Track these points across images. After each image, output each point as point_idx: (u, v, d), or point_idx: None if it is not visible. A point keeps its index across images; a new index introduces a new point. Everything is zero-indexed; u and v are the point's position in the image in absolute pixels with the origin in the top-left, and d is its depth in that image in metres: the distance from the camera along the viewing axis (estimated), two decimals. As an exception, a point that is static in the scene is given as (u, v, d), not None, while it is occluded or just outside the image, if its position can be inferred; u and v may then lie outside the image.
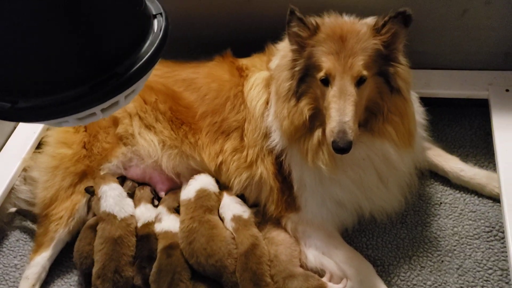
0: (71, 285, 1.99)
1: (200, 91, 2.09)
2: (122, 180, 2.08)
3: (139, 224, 2.00)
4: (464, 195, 2.09)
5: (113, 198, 1.97)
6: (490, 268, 1.84)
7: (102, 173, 2.10)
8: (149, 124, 2.11)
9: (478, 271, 1.84)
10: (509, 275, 1.80)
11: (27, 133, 2.39)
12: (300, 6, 1.67)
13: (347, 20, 1.75)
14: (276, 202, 1.96)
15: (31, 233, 2.17)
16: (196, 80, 2.12)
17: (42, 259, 1.97)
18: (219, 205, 2.01)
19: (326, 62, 1.63)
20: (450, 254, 1.90)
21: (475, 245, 1.92)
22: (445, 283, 1.82)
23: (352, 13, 1.80)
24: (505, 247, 1.88)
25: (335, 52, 1.62)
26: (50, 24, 0.93)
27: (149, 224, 2.00)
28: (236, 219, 1.93)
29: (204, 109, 2.06)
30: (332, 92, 1.62)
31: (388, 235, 2.00)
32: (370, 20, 1.72)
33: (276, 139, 1.87)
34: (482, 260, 1.87)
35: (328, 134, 1.62)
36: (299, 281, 1.75)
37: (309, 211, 1.91)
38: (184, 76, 2.16)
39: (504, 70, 2.32)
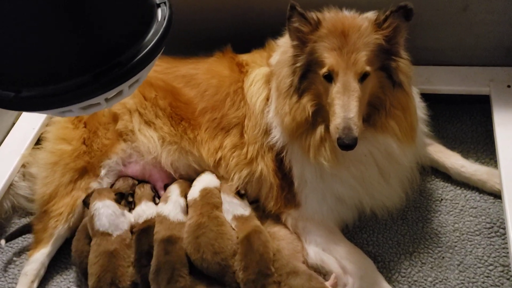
0: (70, 282, 1.99)
1: (199, 87, 2.08)
2: (120, 196, 2.00)
3: (140, 221, 1.98)
4: (465, 191, 2.08)
5: (106, 217, 1.90)
6: (491, 264, 1.83)
7: (102, 171, 2.09)
8: (149, 120, 2.10)
9: (479, 267, 1.83)
10: (510, 271, 1.80)
11: (26, 129, 2.38)
12: (299, 1, 1.66)
13: (348, 15, 1.74)
14: (275, 198, 1.96)
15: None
16: (196, 76, 2.11)
17: (41, 256, 1.96)
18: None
19: (329, 58, 1.62)
20: (451, 250, 1.90)
21: (476, 241, 1.91)
22: (446, 279, 1.82)
23: (352, 8, 1.79)
24: (506, 243, 1.87)
25: (337, 48, 1.61)
26: (52, 13, 0.92)
27: (149, 220, 1.97)
28: (237, 218, 1.92)
29: (204, 105, 2.05)
30: (335, 88, 1.61)
31: (389, 231, 1.99)
32: (371, 15, 1.71)
33: (276, 136, 1.86)
34: (483, 256, 1.86)
35: (332, 130, 1.61)
36: (302, 279, 1.74)
37: (309, 207, 1.91)
38: (184, 72, 2.15)
39: (505, 66, 2.30)
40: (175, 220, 1.93)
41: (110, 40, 1.00)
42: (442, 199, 2.07)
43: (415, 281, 1.83)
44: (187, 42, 2.23)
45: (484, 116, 2.34)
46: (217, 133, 2.03)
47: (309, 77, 1.71)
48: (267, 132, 1.90)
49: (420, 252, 1.90)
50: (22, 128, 2.40)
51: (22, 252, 2.11)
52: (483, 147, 2.23)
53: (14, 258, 2.09)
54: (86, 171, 2.09)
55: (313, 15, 1.68)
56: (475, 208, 2.02)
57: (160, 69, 2.18)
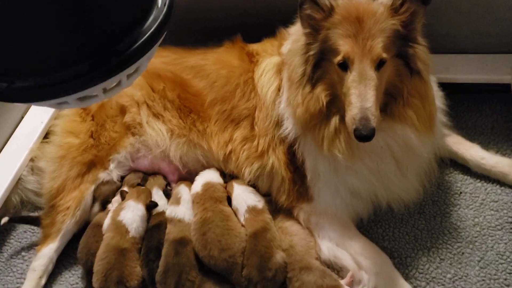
0: (78, 277, 1.96)
1: (209, 78, 2.04)
2: (154, 205, 1.98)
3: (153, 213, 1.96)
4: (485, 184, 2.02)
5: (133, 215, 1.89)
6: None
7: (111, 164, 2.07)
8: (157, 112, 2.07)
9: (501, 264, 1.77)
10: (533, 268, 1.73)
11: (34, 123, 2.36)
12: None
13: (363, 0, 1.66)
14: (287, 192, 1.92)
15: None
16: (205, 67, 2.07)
17: (49, 251, 1.94)
18: (226, 196, 1.96)
19: (344, 46, 1.56)
20: (471, 246, 1.84)
21: (497, 236, 1.85)
22: (465, 276, 1.76)
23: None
24: (529, 238, 1.81)
25: (352, 35, 1.55)
26: (45, 0, 0.87)
27: (162, 213, 1.96)
28: (251, 210, 1.88)
29: (213, 97, 2.01)
30: (351, 77, 1.55)
31: (406, 226, 1.93)
32: (387, 0, 1.63)
33: (288, 128, 1.81)
34: (505, 252, 1.80)
35: (349, 121, 1.55)
36: (315, 275, 1.70)
37: (323, 201, 1.86)
38: (193, 63, 2.10)
39: (528, 53, 2.22)
40: (189, 222, 1.91)
41: (106, 28, 0.95)
42: (461, 193, 2.01)
43: (433, 277, 1.77)
44: (195, 32, 2.20)
45: (505, 106, 2.28)
46: (227, 126, 1.98)
47: (322, 66, 1.65)
48: (278, 123, 1.86)
49: (438, 248, 1.85)
50: (30, 122, 2.37)
51: (30, 247, 2.09)
52: (504, 138, 2.16)
53: (23, 253, 2.07)
54: (94, 164, 2.06)
55: (326, 1, 1.61)
56: (496, 201, 1.95)
57: (168, 60, 2.14)
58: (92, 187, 2.03)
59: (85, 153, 2.06)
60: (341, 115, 1.65)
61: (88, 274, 1.85)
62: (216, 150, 2.00)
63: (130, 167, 2.12)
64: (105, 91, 1.04)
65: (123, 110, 2.09)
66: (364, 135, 1.49)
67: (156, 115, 2.07)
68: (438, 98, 1.87)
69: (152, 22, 1.00)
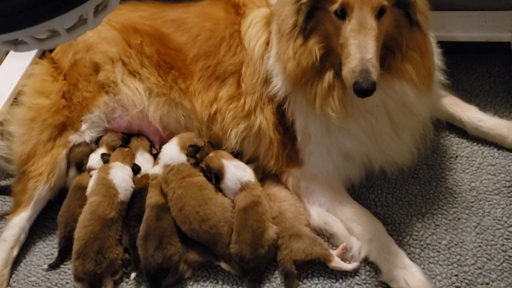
0: (53, 248, 1.87)
1: (191, 31, 1.93)
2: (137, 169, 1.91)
3: (138, 176, 1.90)
4: (482, 147, 1.96)
5: (123, 174, 1.83)
6: (511, 226, 1.72)
7: (83, 125, 1.96)
8: (134, 70, 1.96)
9: (498, 229, 1.73)
10: (532, 233, 1.69)
11: (3, 84, 2.20)
12: None
13: None
14: (276, 156, 1.83)
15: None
16: (187, 20, 1.96)
17: (20, 220, 1.85)
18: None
19: None
20: (467, 211, 1.78)
21: (494, 201, 1.80)
22: (461, 242, 1.70)
23: None
24: (527, 203, 1.77)
25: None
26: None
27: (146, 177, 1.89)
28: (244, 186, 1.77)
29: (196, 52, 1.90)
30: (350, 26, 1.45)
31: (399, 191, 1.87)
32: None
33: (278, 85, 1.71)
34: (502, 217, 1.75)
35: (347, 75, 1.45)
36: (304, 243, 1.65)
37: (313, 165, 1.79)
38: (174, 16, 1.99)
39: (529, 10, 2.15)
40: None
41: None
42: (457, 156, 1.95)
43: (428, 244, 1.71)
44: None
45: (503, 67, 2.22)
46: (212, 83, 1.88)
47: (316, 16, 1.54)
48: (267, 80, 1.76)
49: (433, 213, 1.79)
50: (-2, 83, 2.23)
51: (1, 217, 1.98)
52: (502, 100, 2.10)
53: (-7, 224, 1.96)
54: (66, 126, 1.96)
55: None
56: (494, 165, 1.90)
57: (147, 15, 2.03)
58: (64, 151, 1.94)
59: (56, 115, 1.95)
60: (336, 70, 1.56)
61: (65, 240, 1.78)
62: (200, 110, 1.90)
63: (106, 128, 2.01)
64: (69, 30, 0.90)
65: (96, 68, 1.97)
66: (365, 89, 1.40)
67: (132, 73, 1.96)
68: (437, 55, 1.78)
69: None
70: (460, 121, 1.98)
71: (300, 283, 1.65)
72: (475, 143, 1.97)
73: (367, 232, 1.67)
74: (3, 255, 1.77)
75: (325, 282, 1.65)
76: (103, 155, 1.92)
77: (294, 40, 1.58)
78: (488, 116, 1.96)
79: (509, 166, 1.88)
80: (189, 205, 1.71)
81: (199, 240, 1.70)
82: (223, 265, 1.70)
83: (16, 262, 1.81)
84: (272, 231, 1.68)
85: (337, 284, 1.64)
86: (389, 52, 1.59)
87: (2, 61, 2.28)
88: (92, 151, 1.96)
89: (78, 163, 1.94)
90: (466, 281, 1.60)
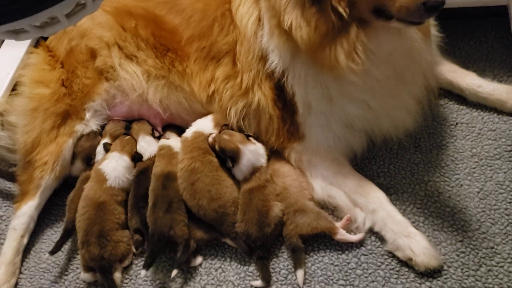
0: (62, 234, 1.86)
1: (184, 13, 1.90)
2: (138, 157, 1.91)
3: (143, 159, 1.90)
4: (482, 113, 1.94)
5: (116, 165, 1.83)
6: None
7: (87, 114, 1.96)
8: (130, 53, 1.94)
9: (501, 193, 1.72)
10: (535, 195, 1.69)
11: (-1, 74, 2.19)
12: None
13: None
14: (277, 132, 1.83)
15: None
16: (179, 1, 1.92)
17: (29, 209, 1.86)
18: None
19: None
20: (469, 177, 1.78)
21: (496, 166, 1.79)
22: (465, 208, 1.70)
23: None
24: (529, 166, 1.76)
25: None
26: None
27: (151, 159, 1.89)
28: (255, 170, 1.76)
29: (190, 33, 1.87)
30: None
31: (401, 161, 1.86)
32: None
33: (275, 61, 1.68)
34: (504, 181, 1.75)
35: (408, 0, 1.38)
36: (309, 217, 1.65)
37: (314, 138, 1.77)
38: (166, -3, 1.95)
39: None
40: (177, 150, 1.86)
41: None
42: (457, 123, 1.94)
43: (432, 212, 1.71)
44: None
45: (500, 31, 2.17)
46: (208, 64, 1.86)
47: None
48: (262, 57, 1.73)
49: (436, 181, 1.79)
50: (-5, 74, 2.21)
51: (8, 206, 1.99)
52: (500, 64, 2.07)
53: (0, 213, 1.97)
54: (69, 114, 1.95)
55: None
56: (494, 130, 1.89)
57: None
58: (70, 140, 1.93)
59: (58, 103, 1.94)
60: (361, 20, 1.50)
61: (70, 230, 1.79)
62: (198, 92, 1.89)
63: (108, 115, 2.01)
64: (68, 16, 0.90)
65: (93, 54, 1.95)
66: (441, 1, 1.35)
67: (129, 57, 1.94)
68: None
69: None
70: (459, 88, 1.95)
71: (307, 256, 1.67)
72: (474, 109, 1.95)
73: (371, 203, 1.67)
74: (14, 244, 1.79)
75: (331, 254, 1.66)
76: (105, 144, 1.92)
77: (303, 7, 1.50)
78: (487, 82, 1.93)
79: (510, 130, 1.86)
80: (203, 182, 1.72)
81: (204, 217, 1.71)
82: (229, 241, 1.71)
83: (26, 250, 1.83)
84: (277, 208, 1.69)
85: (343, 256, 1.65)
86: None
87: (-3, 51, 2.26)
88: (99, 143, 1.96)
89: (86, 157, 1.93)
90: (471, 246, 1.61)
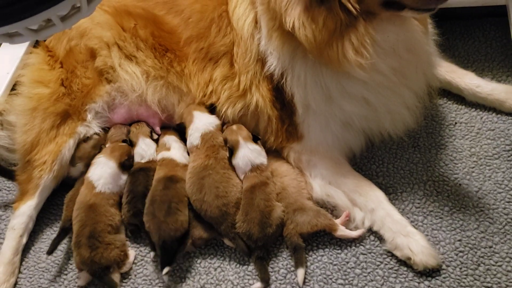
0: (61, 234, 1.86)
1: (183, 13, 1.90)
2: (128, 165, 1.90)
3: (143, 161, 1.89)
4: (480, 113, 1.95)
5: (101, 172, 1.81)
6: None
7: (89, 115, 1.95)
8: (130, 53, 1.94)
9: (499, 193, 1.73)
10: (533, 195, 1.69)
11: (-1, 74, 2.20)
12: None
13: None
14: (275, 132, 1.83)
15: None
16: (178, 2, 1.93)
17: (27, 208, 1.86)
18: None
19: None
20: (468, 177, 1.78)
21: (494, 165, 1.80)
22: (464, 208, 1.71)
23: None
24: (528, 165, 1.77)
25: None
26: None
27: (152, 161, 1.89)
28: (255, 168, 1.77)
29: (189, 34, 1.88)
30: None
31: (400, 160, 1.87)
32: None
33: (274, 63, 1.69)
34: (503, 181, 1.75)
35: None
36: (308, 215, 1.66)
37: (313, 138, 1.78)
38: (165, -3, 1.96)
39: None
40: (181, 162, 1.86)
41: None
42: (456, 123, 1.94)
43: (431, 211, 1.72)
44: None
45: (498, 31, 2.18)
46: (206, 65, 1.87)
47: None
48: (260, 60, 1.74)
49: (434, 181, 1.79)
50: (-5, 73, 2.22)
51: (7, 205, 1.99)
52: (499, 64, 2.08)
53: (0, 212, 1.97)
54: (69, 114, 1.94)
55: None
56: (493, 130, 1.90)
57: None
58: (71, 141, 1.92)
59: (57, 103, 1.93)
60: (369, 13, 1.50)
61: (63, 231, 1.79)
62: (196, 92, 1.89)
63: (108, 118, 2.00)
64: (63, 19, 0.90)
65: (93, 54, 1.95)
66: None
67: (129, 57, 1.94)
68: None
69: None
70: (458, 88, 1.96)
71: (306, 255, 1.66)
72: (473, 109, 1.96)
73: (370, 202, 1.68)
74: (13, 243, 1.79)
75: (330, 253, 1.67)
76: (100, 148, 1.92)
77: (307, 6, 1.49)
78: (485, 81, 1.94)
79: (508, 130, 1.87)
80: (213, 179, 1.73)
81: (206, 214, 1.70)
82: (227, 241, 1.71)
83: (25, 250, 1.83)
84: (279, 210, 1.69)
85: (342, 254, 1.66)
86: None
87: (-4, 51, 2.27)
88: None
89: (89, 163, 1.91)
90: (469, 245, 1.61)
